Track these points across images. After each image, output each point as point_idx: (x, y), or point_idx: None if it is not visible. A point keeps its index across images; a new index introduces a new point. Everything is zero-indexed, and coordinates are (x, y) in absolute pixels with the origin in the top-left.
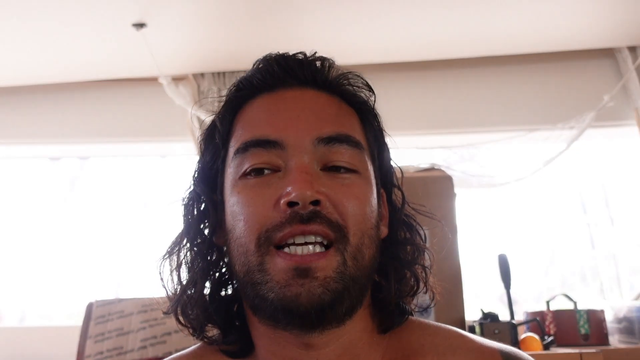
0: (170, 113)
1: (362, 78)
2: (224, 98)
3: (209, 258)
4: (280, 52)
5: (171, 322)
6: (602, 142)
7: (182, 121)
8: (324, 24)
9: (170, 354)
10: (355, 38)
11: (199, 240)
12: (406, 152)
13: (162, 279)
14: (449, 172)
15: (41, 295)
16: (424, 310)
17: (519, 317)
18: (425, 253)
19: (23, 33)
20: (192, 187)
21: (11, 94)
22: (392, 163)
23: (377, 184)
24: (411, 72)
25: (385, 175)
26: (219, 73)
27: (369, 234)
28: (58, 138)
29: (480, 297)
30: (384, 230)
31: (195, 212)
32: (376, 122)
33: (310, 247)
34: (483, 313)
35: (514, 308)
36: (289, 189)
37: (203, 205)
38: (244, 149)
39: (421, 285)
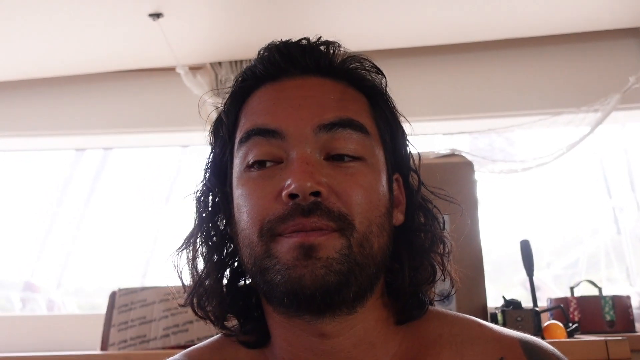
0: (191, 103)
1: (370, 61)
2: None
3: (224, 250)
4: (284, 39)
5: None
6: (627, 125)
7: (202, 111)
8: (341, 9)
9: (192, 342)
10: (373, 23)
11: (212, 233)
12: (426, 138)
13: (178, 272)
14: (470, 158)
15: (66, 286)
16: (445, 298)
17: (543, 304)
18: (444, 240)
19: (43, 26)
20: (204, 181)
21: (32, 86)
22: (408, 147)
23: (388, 169)
24: (431, 57)
25: (401, 160)
26: (236, 61)
27: (377, 222)
28: (81, 129)
29: (503, 283)
30: (400, 217)
31: (210, 205)
32: (388, 106)
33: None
34: (505, 300)
35: (538, 294)
36: (289, 180)
37: (216, 198)
38: (246, 138)
39: (438, 273)
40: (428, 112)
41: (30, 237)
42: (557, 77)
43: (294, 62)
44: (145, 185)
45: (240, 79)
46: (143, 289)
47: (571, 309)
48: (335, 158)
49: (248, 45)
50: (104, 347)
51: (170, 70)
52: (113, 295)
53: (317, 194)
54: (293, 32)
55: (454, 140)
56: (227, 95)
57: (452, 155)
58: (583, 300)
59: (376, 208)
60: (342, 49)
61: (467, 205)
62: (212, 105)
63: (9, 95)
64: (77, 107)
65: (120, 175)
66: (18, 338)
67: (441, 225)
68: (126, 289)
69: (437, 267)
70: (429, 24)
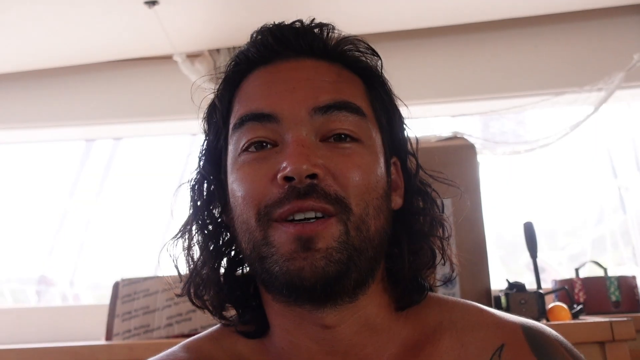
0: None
1: (364, 42)
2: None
3: (220, 238)
4: (277, 21)
5: None
6: (632, 104)
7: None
8: None
9: (196, 330)
10: (374, 6)
11: (208, 221)
12: (427, 121)
13: (174, 261)
14: (472, 140)
15: (80, 279)
16: (448, 282)
17: (548, 285)
18: (444, 223)
19: (38, 16)
20: (198, 168)
21: (32, 77)
22: (406, 130)
23: (385, 153)
24: (433, 39)
25: (398, 143)
26: (235, 48)
27: (374, 205)
28: (87, 120)
29: (507, 265)
30: (398, 201)
31: (205, 194)
32: (383, 88)
33: (312, 221)
34: (509, 283)
35: (543, 276)
36: (284, 163)
37: (211, 187)
38: (240, 123)
39: (438, 257)
40: (430, 94)
41: (43, 230)
42: (560, 56)
43: (287, 44)
44: (155, 174)
45: (233, 63)
46: (146, 278)
47: (576, 290)
48: (331, 139)
49: (246, 31)
50: (108, 337)
51: (169, 58)
52: (116, 286)
53: (313, 176)
54: (291, 16)
55: (461, 122)
56: (220, 80)
57: (454, 138)
58: (588, 281)
59: (373, 190)
60: (336, 31)
61: (469, 189)
62: (207, 91)
63: (7, 88)
64: (81, 97)
65: (131, 165)
66: (28, 329)
67: (440, 208)
68: (129, 279)
69: (436, 251)
70: (426, 6)
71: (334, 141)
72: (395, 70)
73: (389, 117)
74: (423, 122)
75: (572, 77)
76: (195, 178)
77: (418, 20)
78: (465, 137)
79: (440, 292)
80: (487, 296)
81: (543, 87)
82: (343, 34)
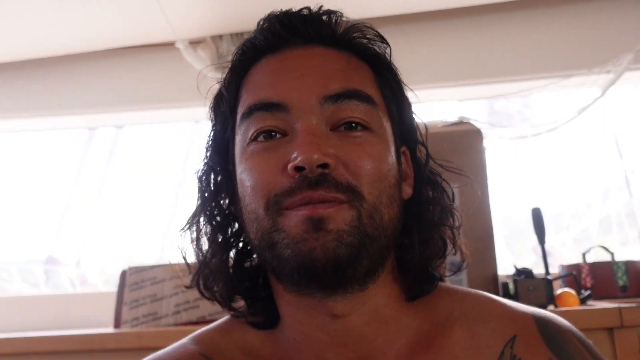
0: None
1: (373, 29)
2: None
3: (228, 229)
4: (285, 9)
5: None
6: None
7: (209, 85)
8: None
9: (204, 317)
10: None
11: (216, 212)
12: (433, 105)
13: (182, 252)
14: (478, 125)
15: (81, 263)
16: (458, 271)
17: (555, 270)
18: (454, 213)
19: (38, 3)
20: (205, 159)
21: (34, 66)
22: (414, 118)
23: (396, 142)
24: (435, 22)
25: (408, 132)
26: (237, 34)
27: (387, 193)
28: (89, 108)
29: (512, 249)
30: (408, 191)
31: (212, 184)
32: (393, 76)
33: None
34: (516, 269)
35: (550, 261)
36: (295, 153)
37: (219, 177)
38: (248, 113)
39: (449, 247)
40: (433, 78)
41: (50, 212)
42: (568, 38)
43: (295, 31)
44: (160, 161)
45: (240, 51)
46: (153, 267)
47: (583, 275)
48: (341, 128)
49: (250, 17)
50: (117, 325)
51: (171, 45)
52: (123, 274)
53: (324, 165)
54: (296, 2)
55: (467, 106)
56: (227, 69)
57: (460, 123)
58: (595, 266)
59: (385, 178)
60: (344, 18)
61: (476, 174)
62: (213, 80)
63: (10, 77)
64: (83, 85)
65: (134, 152)
66: (37, 317)
67: (450, 197)
68: (136, 267)
69: (447, 240)
70: None
71: (345, 130)
72: (401, 54)
73: (398, 106)
74: (429, 106)
75: (580, 59)
76: (203, 169)
77: (418, 3)
78: (472, 121)
79: (447, 280)
80: (494, 282)
81: (550, 70)
82: (351, 20)
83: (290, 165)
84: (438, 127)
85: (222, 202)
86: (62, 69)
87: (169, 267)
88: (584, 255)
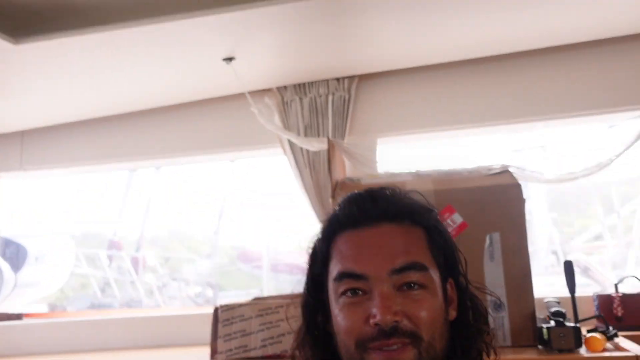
0: (256, 123)
1: (424, 198)
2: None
3: (323, 345)
4: (367, 189)
5: (284, 325)
6: None
7: (267, 130)
8: (394, 30)
9: (286, 351)
10: (425, 40)
11: (316, 333)
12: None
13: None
14: (521, 173)
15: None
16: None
17: (590, 289)
18: (488, 321)
19: (129, 66)
20: (305, 291)
21: (127, 118)
22: (458, 257)
23: (443, 281)
24: (481, 67)
25: (452, 267)
26: (299, 84)
27: (438, 332)
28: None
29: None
30: (453, 313)
31: (311, 309)
32: (439, 233)
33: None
34: (550, 314)
35: (586, 280)
36: (374, 311)
37: (316, 305)
38: (339, 278)
39: (484, 357)
40: (478, 119)
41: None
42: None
43: (367, 213)
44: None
45: (327, 223)
46: (241, 305)
47: (615, 305)
48: (404, 287)
49: (311, 70)
50: (213, 355)
51: (239, 95)
52: (216, 311)
53: (395, 322)
54: (350, 55)
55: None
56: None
57: (503, 172)
58: (626, 297)
59: (437, 321)
60: (400, 190)
61: (514, 223)
62: (279, 125)
63: (112, 127)
64: (155, 135)
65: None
66: (130, 334)
67: (486, 317)
68: (226, 305)
69: (483, 352)
70: (480, 38)
71: (407, 289)
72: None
73: (445, 252)
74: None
75: (627, 97)
76: (304, 297)
77: (466, 51)
78: (513, 169)
79: (490, 317)
80: (532, 320)
81: (593, 107)
82: (408, 190)
83: (372, 321)
84: (482, 174)
85: (319, 319)
86: (142, 120)
87: (255, 305)
88: (616, 285)
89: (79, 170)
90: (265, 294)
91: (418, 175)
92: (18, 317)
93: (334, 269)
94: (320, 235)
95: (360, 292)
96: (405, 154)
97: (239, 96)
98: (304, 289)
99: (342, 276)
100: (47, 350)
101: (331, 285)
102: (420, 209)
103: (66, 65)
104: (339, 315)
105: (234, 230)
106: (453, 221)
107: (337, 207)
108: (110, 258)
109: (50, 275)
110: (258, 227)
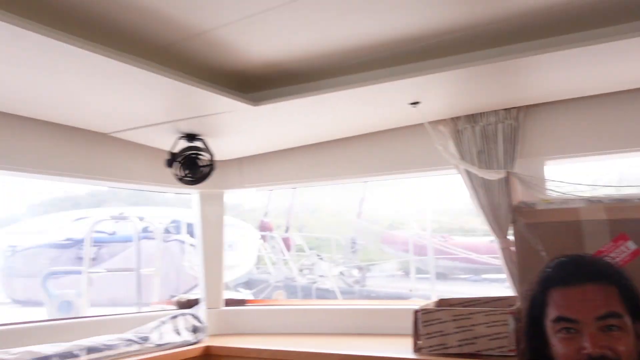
0: (434, 148)
1: (612, 263)
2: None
3: (537, 336)
4: (572, 256)
5: (477, 329)
6: None
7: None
8: (555, 70)
9: (480, 352)
10: (587, 76)
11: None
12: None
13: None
14: None
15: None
16: None
17: None
18: None
19: (334, 112)
20: (527, 322)
21: (320, 146)
22: None
23: (635, 324)
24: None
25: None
26: (472, 115)
27: None
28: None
29: None
30: None
31: (533, 330)
32: (629, 287)
33: None
34: None
35: None
36: (586, 344)
37: (535, 328)
38: (557, 320)
39: None
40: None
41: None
42: None
43: (574, 276)
44: None
45: (542, 279)
46: (437, 309)
47: None
48: (606, 329)
49: (480, 103)
50: (417, 349)
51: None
52: (416, 313)
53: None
54: (518, 94)
55: None
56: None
57: None
58: None
59: (632, 353)
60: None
61: None
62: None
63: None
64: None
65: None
66: (340, 322)
67: None
68: (425, 310)
69: None
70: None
71: (608, 330)
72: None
73: (633, 303)
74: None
75: None
76: (526, 320)
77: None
78: None
79: None
80: None
81: None
82: (607, 259)
83: (584, 351)
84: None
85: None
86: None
87: (449, 312)
88: None
89: (285, 186)
90: (411, 275)
91: (590, 202)
92: (242, 302)
93: (552, 313)
94: (536, 287)
95: (573, 331)
96: (576, 172)
97: (419, 125)
98: (525, 321)
99: (559, 319)
100: (266, 330)
101: (549, 324)
102: (612, 271)
103: (286, 115)
104: (558, 345)
105: (377, 213)
106: (627, 247)
107: (548, 268)
108: (263, 238)
109: (242, 259)
110: (402, 210)
